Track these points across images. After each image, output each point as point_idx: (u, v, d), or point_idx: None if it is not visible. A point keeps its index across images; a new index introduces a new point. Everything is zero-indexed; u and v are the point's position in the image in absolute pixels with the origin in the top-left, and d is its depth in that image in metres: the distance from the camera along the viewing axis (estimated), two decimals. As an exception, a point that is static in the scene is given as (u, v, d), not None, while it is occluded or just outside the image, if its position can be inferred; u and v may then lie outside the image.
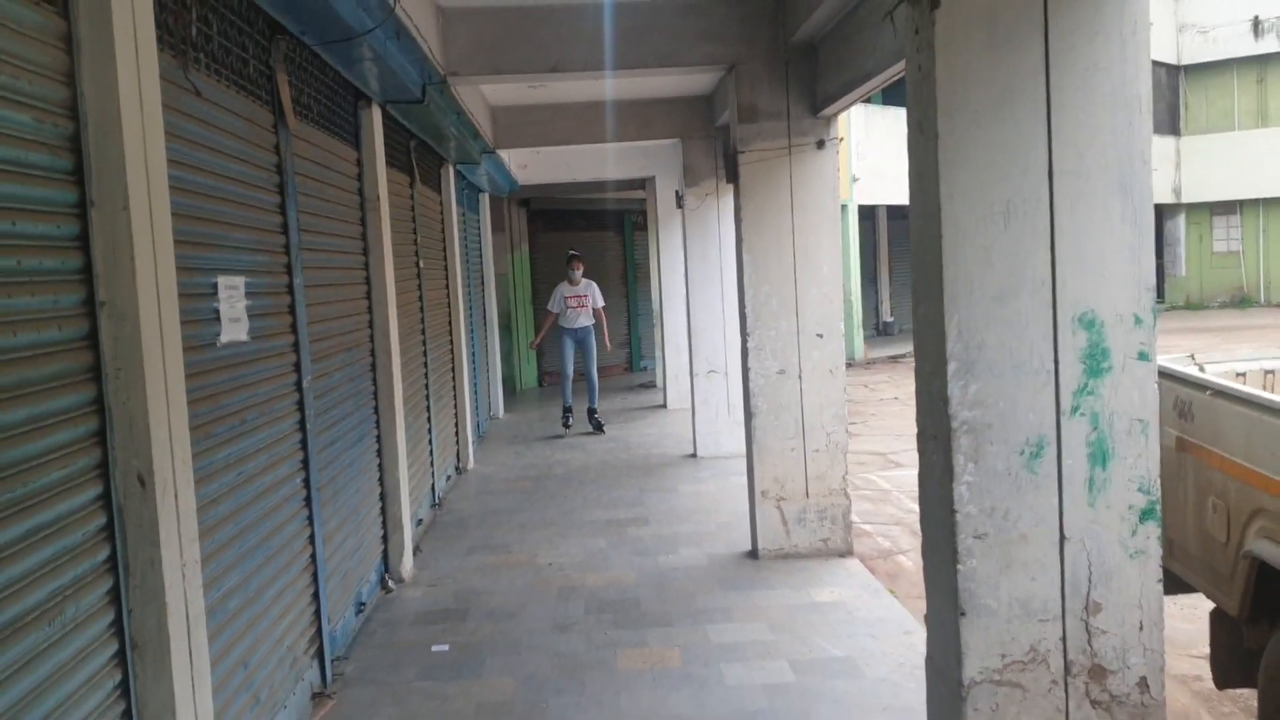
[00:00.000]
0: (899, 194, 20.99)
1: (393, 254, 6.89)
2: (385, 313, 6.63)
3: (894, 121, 22.24)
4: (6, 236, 2.55)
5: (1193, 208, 31.64)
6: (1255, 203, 30.35)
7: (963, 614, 3.15)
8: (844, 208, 20.58)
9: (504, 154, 11.93)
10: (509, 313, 17.04)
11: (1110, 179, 3.09)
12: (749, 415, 6.96)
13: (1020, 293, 3.10)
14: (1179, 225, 31.97)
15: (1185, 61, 31.52)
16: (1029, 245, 3.09)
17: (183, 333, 3.32)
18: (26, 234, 2.63)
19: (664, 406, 14.29)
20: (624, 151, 13.59)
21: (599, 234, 19.77)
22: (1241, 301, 30.76)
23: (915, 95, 3.23)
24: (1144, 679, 3.19)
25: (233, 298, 4.04)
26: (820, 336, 6.85)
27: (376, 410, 6.62)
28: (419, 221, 8.68)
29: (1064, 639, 3.17)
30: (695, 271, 10.92)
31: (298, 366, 4.85)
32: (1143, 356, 3.13)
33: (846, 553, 6.87)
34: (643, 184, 16.21)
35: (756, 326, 6.87)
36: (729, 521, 7.86)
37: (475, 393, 12.14)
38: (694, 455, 10.76)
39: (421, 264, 8.62)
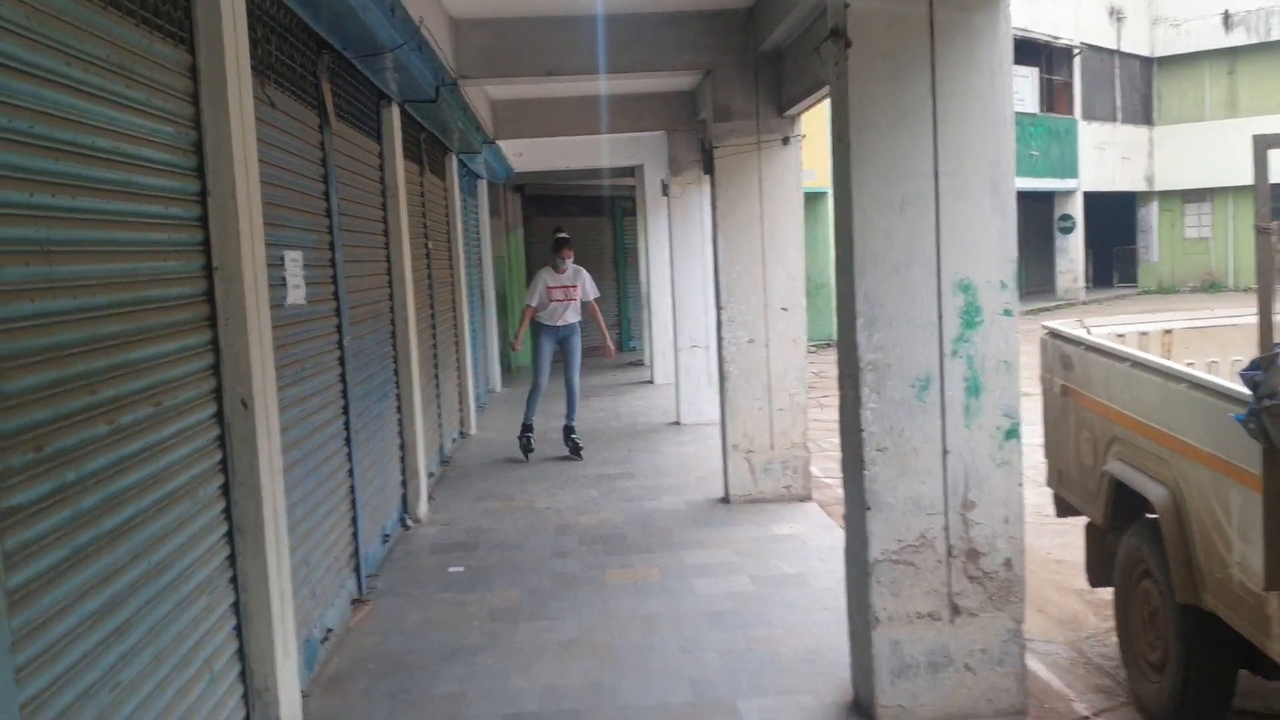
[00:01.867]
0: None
1: (408, 236, 7.83)
2: (403, 287, 7.58)
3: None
4: (159, 218, 3.50)
5: (1165, 195, 32.69)
6: (1226, 191, 31.37)
7: (868, 509, 4.14)
8: (828, 194, 21.49)
9: (502, 143, 12.84)
10: (504, 294, 17.97)
11: (983, 178, 4.06)
12: (722, 379, 7.94)
13: (913, 265, 4.07)
14: (1152, 212, 33.03)
15: (1158, 54, 32.54)
16: (920, 229, 4.06)
17: (269, 294, 4.28)
18: (169, 215, 3.58)
19: (651, 382, 15.25)
20: (615, 141, 14.48)
21: (590, 219, 20.70)
22: (1211, 286, 31.82)
23: (835, 112, 4.19)
24: (1009, 559, 4.17)
25: (294, 268, 4.99)
26: (785, 310, 7.82)
27: (396, 372, 7.58)
28: (427, 207, 9.62)
29: (946, 529, 4.15)
30: (679, 254, 11.87)
31: (339, 328, 5.81)
32: (1006, 313, 4.10)
33: (806, 498, 7.87)
34: (632, 172, 17.13)
35: (729, 301, 7.84)
36: (706, 475, 8.84)
37: (475, 365, 13.10)
38: (677, 423, 11.74)
39: (430, 245, 9.57)
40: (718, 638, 5.18)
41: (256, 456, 3.99)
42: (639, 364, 17.86)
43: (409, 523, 7.64)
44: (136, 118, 3.28)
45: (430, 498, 8.43)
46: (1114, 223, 33.54)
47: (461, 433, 11.37)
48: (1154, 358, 4.58)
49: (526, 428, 10.08)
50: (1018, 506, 4.18)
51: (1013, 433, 4.14)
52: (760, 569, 6.25)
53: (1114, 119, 32.01)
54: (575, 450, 9.96)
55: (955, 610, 4.16)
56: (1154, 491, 4.20)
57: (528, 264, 19.10)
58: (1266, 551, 3.43)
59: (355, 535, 6.00)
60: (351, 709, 4.58)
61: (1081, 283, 31.05)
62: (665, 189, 12.31)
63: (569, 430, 10.06)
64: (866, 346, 4.09)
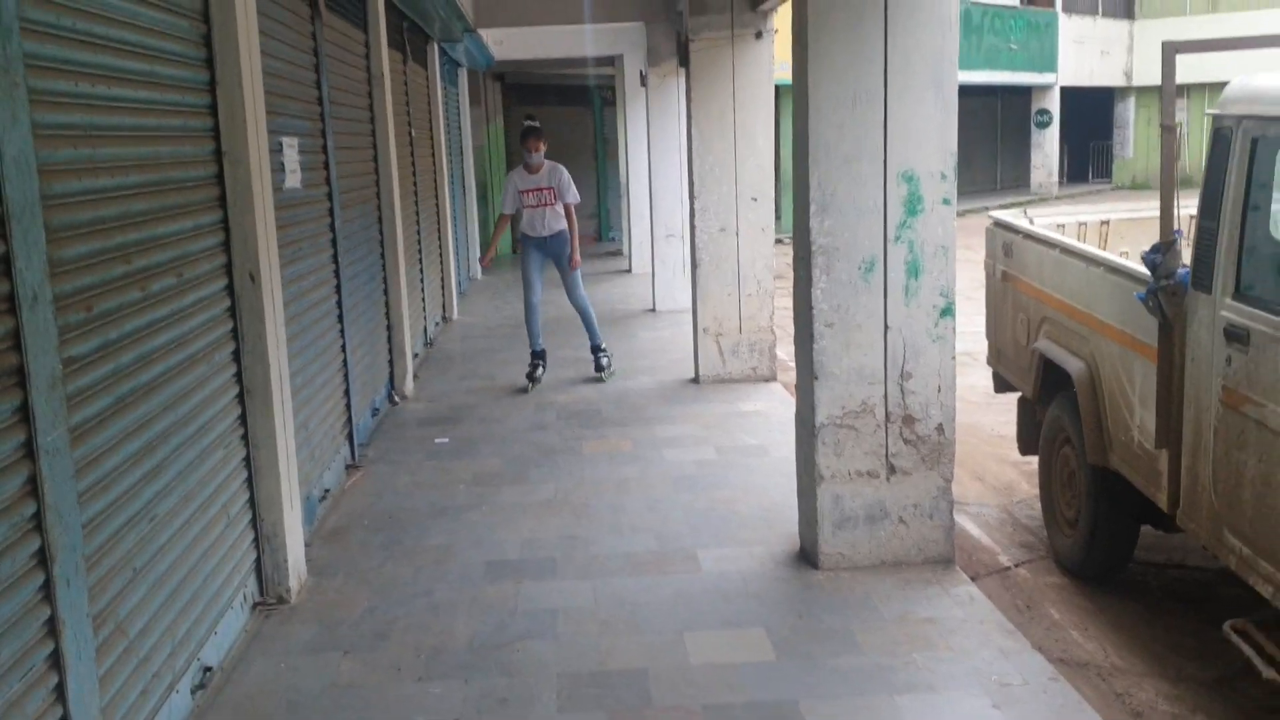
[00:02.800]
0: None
1: (393, 124, 8.12)
2: (389, 173, 7.91)
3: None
4: (174, 105, 3.84)
5: (1142, 91, 32.80)
6: (1202, 87, 31.46)
7: (816, 378, 4.60)
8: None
9: (482, 31, 12.97)
10: (485, 183, 18.18)
11: (927, 77, 4.43)
12: (694, 266, 8.35)
13: (862, 157, 4.45)
14: (1129, 108, 33.19)
15: (1142, -54, 32.33)
16: (869, 123, 4.44)
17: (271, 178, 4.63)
18: (183, 103, 3.92)
19: (629, 271, 15.62)
20: (595, 31, 14.56)
21: (571, 109, 20.81)
22: (1183, 182, 32.13)
23: (795, 13, 4.53)
24: (940, 425, 4.66)
25: (291, 153, 5.34)
26: (755, 200, 8.19)
27: (383, 255, 7.94)
28: (410, 95, 9.86)
29: (885, 397, 4.62)
30: (656, 145, 12.15)
31: (331, 212, 6.17)
32: (946, 202, 4.51)
33: (771, 378, 8.35)
34: (612, 61, 17.22)
35: (702, 191, 8.20)
36: (678, 358, 9.30)
37: (458, 252, 13.44)
38: (653, 310, 12.16)
39: (413, 133, 9.84)
40: (683, 499, 5.69)
41: (263, 326, 4.40)
42: (617, 254, 18.20)
43: (396, 399, 8.09)
44: (156, 11, 3.61)
45: (415, 376, 8.87)
46: (1091, 118, 33.71)
47: (444, 317, 11.78)
48: (1077, 244, 5.02)
49: (535, 355, 8.51)
50: (950, 377, 4.64)
51: (947, 311, 4.58)
52: (725, 440, 6.75)
53: (1095, 12, 31.95)
54: (599, 367, 8.63)
55: (891, 469, 4.65)
56: (1073, 365, 4.67)
57: (507, 153, 19.27)
58: (1157, 414, 3.91)
59: (349, 406, 6.44)
60: (350, 556, 5.07)
61: (1055, 178, 31.36)
62: (643, 80, 12.53)
63: (596, 350, 8.68)
64: (818, 231, 4.50)
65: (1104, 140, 34.35)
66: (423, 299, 10.08)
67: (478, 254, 15.86)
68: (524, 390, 8.32)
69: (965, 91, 26.15)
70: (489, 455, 6.66)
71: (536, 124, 8.44)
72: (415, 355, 9.27)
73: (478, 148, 17.47)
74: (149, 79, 3.52)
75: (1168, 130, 3.94)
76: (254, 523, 4.47)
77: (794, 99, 4.63)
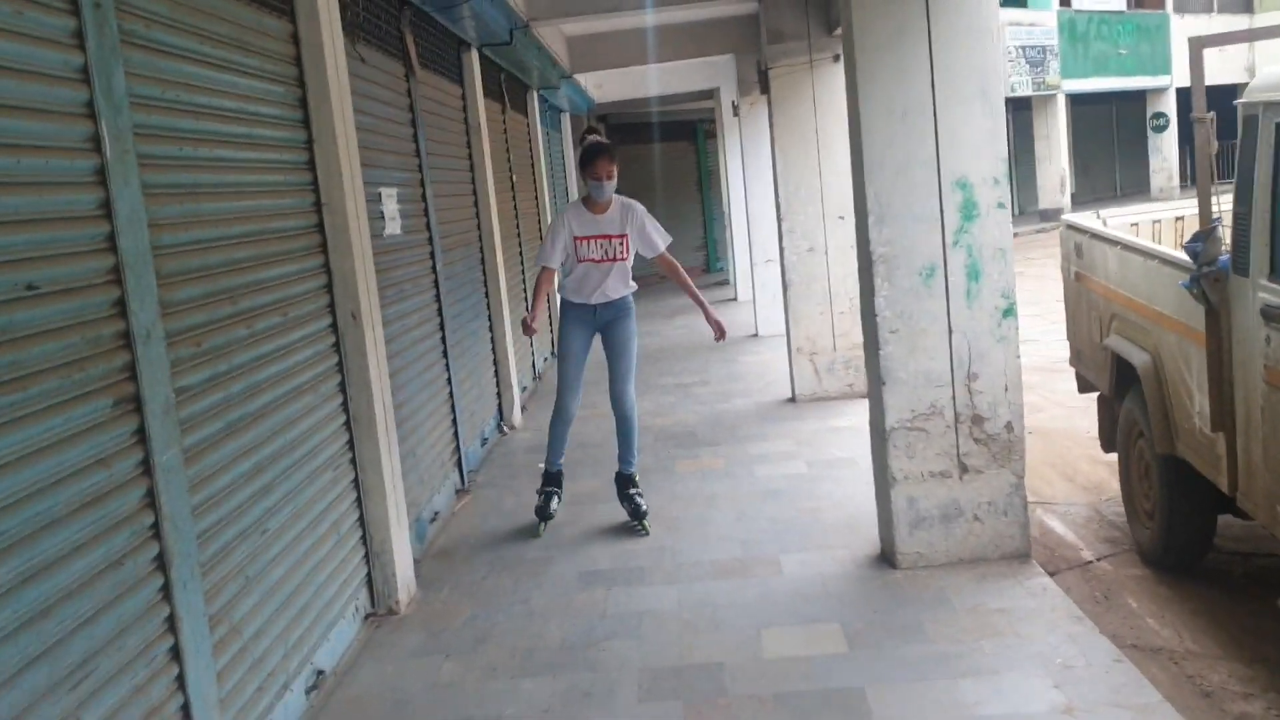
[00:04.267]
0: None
1: (492, 170, 8.57)
2: (489, 217, 8.34)
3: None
4: (274, 162, 4.26)
5: (1268, 87, 31.65)
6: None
7: (884, 383, 4.77)
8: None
9: (580, 76, 13.44)
10: (593, 221, 18.56)
11: (973, 86, 4.59)
12: (785, 287, 8.55)
13: (915, 166, 4.64)
14: (1255, 105, 32.04)
15: (1259, -61, 31.34)
16: (920, 134, 4.62)
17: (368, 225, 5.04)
18: (283, 161, 4.35)
19: (734, 299, 15.86)
20: (691, 66, 14.96)
21: (674, 144, 21.23)
22: None
23: (844, 33, 4.75)
24: (1009, 423, 4.77)
25: (390, 203, 5.76)
26: (841, 218, 8.37)
27: (487, 295, 8.37)
28: (510, 142, 10.33)
29: (953, 398, 4.76)
30: (751, 172, 12.41)
31: (432, 255, 6.59)
32: (1000, 206, 4.65)
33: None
34: (711, 94, 17.59)
35: (789, 212, 8.42)
36: (775, 380, 9.48)
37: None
38: (755, 335, 12.37)
39: (514, 178, 10.30)
40: (770, 509, 5.89)
41: (366, 359, 4.79)
42: (724, 283, 18.46)
43: (504, 429, 8.48)
44: (253, 81, 4.04)
45: (523, 408, 9.26)
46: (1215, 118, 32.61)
47: (552, 352, 12.18)
48: (1135, 240, 5.09)
49: (548, 479, 6.03)
50: (1016, 376, 4.76)
51: (1009, 311, 4.71)
52: (816, 455, 6.92)
53: (1210, 10, 31.07)
54: (637, 513, 5.79)
55: (964, 469, 4.78)
56: (1138, 358, 4.74)
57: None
58: (1210, 398, 3.98)
59: (456, 435, 6.83)
60: (456, 571, 5.42)
61: (1177, 181, 30.46)
62: (735, 110, 12.83)
63: (626, 481, 5.90)
64: (877, 241, 4.69)
65: (1230, 140, 33.16)
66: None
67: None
68: (535, 534, 5.80)
69: (1077, 100, 25.88)
70: (588, 477, 6.96)
71: (602, 140, 5.78)
72: (524, 388, 9.67)
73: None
74: (248, 140, 3.95)
75: (1199, 123, 4.03)
76: (364, 540, 4.85)
77: (848, 114, 4.84)
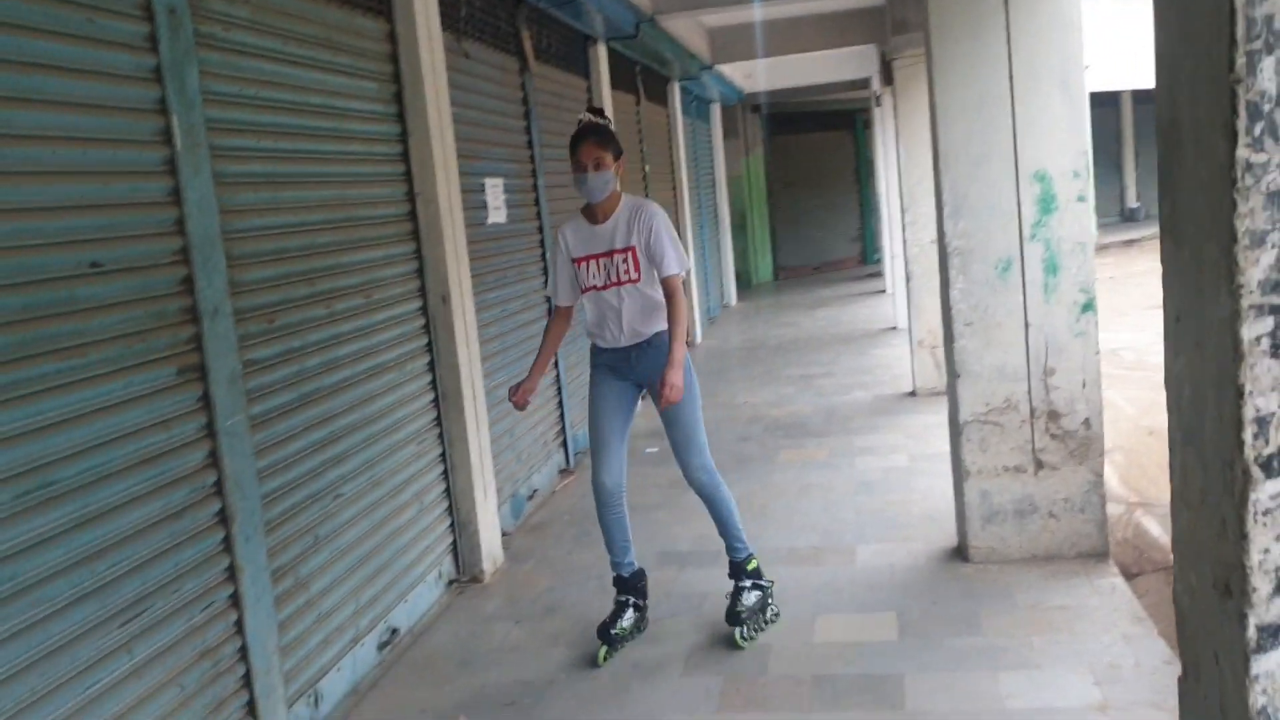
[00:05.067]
0: (1142, 78, 20.92)
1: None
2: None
3: (1128, 6, 22.08)
4: (367, 154, 4.56)
5: None
6: None
7: (958, 376, 4.74)
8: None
9: (725, 66, 13.52)
10: (743, 212, 18.69)
11: (1053, 78, 4.51)
12: (907, 279, 8.47)
13: (992, 158, 4.59)
14: None
15: None
16: (997, 125, 4.57)
17: (465, 215, 5.30)
18: (374, 153, 4.64)
19: (884, 292, 15.66)
20: (843, 55, 14.84)
21: (831, 134, 21.03)
22: None
23: (924, 26, 4.74)
24: (1087, 419, 4.67)
25: (495, 192, 6.03)
26: (965, 211, 8.22)
27: (607, 282, 8.57)
28: (645, 133, 10.53)
29: (1029, 393, 4.69)
30: (891, 163, 12.25)
31: (541, 244, 6.84)
32: (1080, 199, 4.56)
33: (986, 389, 8.31)
34: (866, 83, 17.39)
35: (910, 204, 8.34)
36: (902, 374, 9.39)
37: (707, 280, 14.02)
38: (894, 328, 12.23)
39: (647, 167, 10.50)
40: (859, 501, 5.90)
41: (454, 341, 5.05)
42: (879, 274, 18.23)
43: (623, 414, 8.68)
44: (343, 78, 4.33)
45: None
46: None
47: (687, 342, 12.32)
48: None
49: (621, 584, 4.49)
50: (1094, 372, 4.65)
51: (1088, 306, 4.61)
52: (921, 449, 6.86)
53: None
54: (731, 616, 4.30)
55: (1039, 464, 4.71)
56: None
57: (767, 183, 19.75)
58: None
59: (562, 417, 7.07)
60: (545, 546, 5.65)
61: None
62: (877, 100, 12.69)
63: (736, 569, 4.47)
64: (953, 233, 4.66)
65: None
66: (659, 323, 10.66)
67: (732, 282, 16.33)
68: (594, 663, 4.21)
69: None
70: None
71: (601, 119, 4.28)
72: (649, 375, 9.85)
73: (733, 178, 18.04)
74: (335, 134, 4.24)
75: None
76: (450, 510, 5.13)
77: (929, 106, 4.83)
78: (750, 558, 4.49)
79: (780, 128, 20.40)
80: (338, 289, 4.18)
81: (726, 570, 4.49)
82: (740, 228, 18.33)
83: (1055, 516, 4.72)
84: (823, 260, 20.65)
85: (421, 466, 4.85)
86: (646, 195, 10.28)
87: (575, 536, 5.78)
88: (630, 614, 4.40)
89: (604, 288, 4.24)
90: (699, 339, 12.67)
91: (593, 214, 4.25)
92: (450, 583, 5.09)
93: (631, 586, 4.47)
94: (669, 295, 4.17)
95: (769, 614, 4.41)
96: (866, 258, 21.17)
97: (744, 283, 18.23)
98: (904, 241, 8.49)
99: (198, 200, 3.24)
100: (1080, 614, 4.15)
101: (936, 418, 7.66)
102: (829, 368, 10.17)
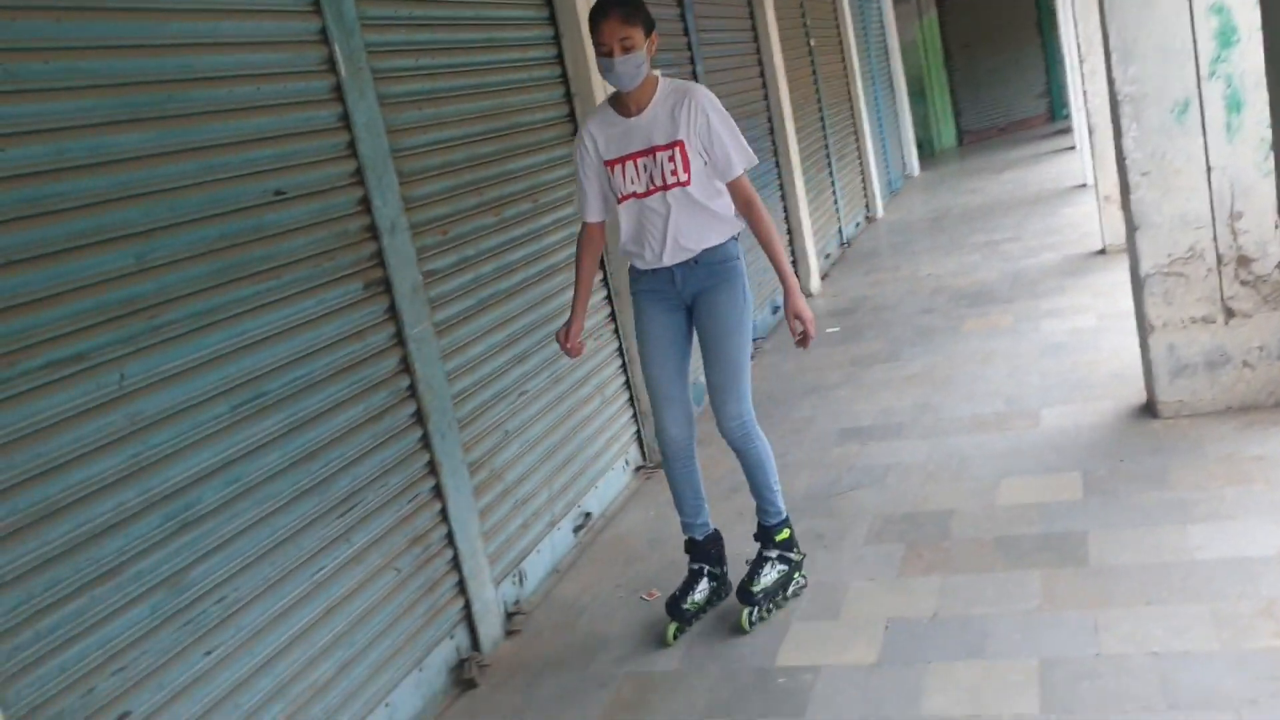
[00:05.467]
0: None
1: (779, 38, 8.64)
2: (777, 86, 8.46)
3: None
4: (522, 61, 4.68)
5: None
6: None
7: (1137, 228, 4.57)
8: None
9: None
10: (920, 78, 18.02)
11: (1229, -102, 4.21)
12: (1089, 131, 8.09)
13: (1162, -4, 4.34)
14: None
15: None
16: (1167, -41, 4.31)
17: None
18: (527, 59, 4.76)
19: (1073, 148, 14.92)
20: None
21: (1011, -14, 19.89)
22: None
23: None
24: (1281, 263, 4.45)
25: (652, 85, 6.07)
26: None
27: (777, 164, 8.54)
28: (806, 6, 10.29)
29: (1215, 239, 4.48)
30: (1077, 6, 11.56)
31: (705, 130, 6.85)
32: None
33: (1183, 240, 7.91)
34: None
35: (1089, 53, 7.90)
36: (1092, 231, 9.01)
37: (885, 152, 13.69)
38: (1084, 185, 11.68)
39: (812, 42, 10.28)
40: (1044, 365, 5.80)
41: (623, 236, 5.19)
42: (1068, 130, 17.34)
43: (802, 296, 8.69)
44: (490, -10, 4.46)
45: (824, 275, 9.41)
46: None
47: (867, 217, 12.15)
48: None
49: (693, 549, 3.91)
50: (1289, 211, 4.41)
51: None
52: (1109, 308, 6.63)
53: None
54: (745, 594, 3.72)
55: (1229, 313, 4.52)
56: None
57: (944, 45, 18.94)
58: None
59: (739, 304, 7.16)
60: (727, 430, 5.81)
61: None
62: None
63: (764, 536, 3.88)
64: (1123, 80, 4.46)
65: None
66: (835, 202, 10.55)
67: (913, 151, 15.85)
68: (663, 642, 3.70)
69: None
70: (871, 339, 7.08)
71: None
72: (826, 256, 9.81)
73: (908, 44, 17.38)
74: (489, 44, 4.39)
75: None
76: (631, 402, 5.33)
77: (1091, -51, 4.58)
78: (784, 524, 3.85)
79: (954, -15, 19.41)
80: (505, 196, 4.36)
81: (757, 527, 3.90)
82: (919, 95, 17.71)
83: (1250, 366, 4.54)
84: (1008, 121, 19.74)
85: (600, 361, 5.06)
86: (813, 70, 10.11)
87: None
88: (704, 585, 3.82)
89: (646, 194, 3.54)
90: (880, 214, 12.45)
91: (624, 105, 3.55)
92: (637, 469, 5.32)
93: (705, 552, 3.88)
94: (744, 201, 3.56)
95: (791, 589, 3.81)
96: (1055, 113, 20.08)
97: (926, 151, 17.69)
98: (1084, 93, 8.08)
99: (365, 123, 3.44)
100: (1277, 463, 4.02)
101: (1126, 275, 7.37)
102: (1015, 232, 9.85)
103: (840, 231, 10.70)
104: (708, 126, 3.47)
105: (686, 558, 3.91)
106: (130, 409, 2.53)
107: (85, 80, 2.52)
